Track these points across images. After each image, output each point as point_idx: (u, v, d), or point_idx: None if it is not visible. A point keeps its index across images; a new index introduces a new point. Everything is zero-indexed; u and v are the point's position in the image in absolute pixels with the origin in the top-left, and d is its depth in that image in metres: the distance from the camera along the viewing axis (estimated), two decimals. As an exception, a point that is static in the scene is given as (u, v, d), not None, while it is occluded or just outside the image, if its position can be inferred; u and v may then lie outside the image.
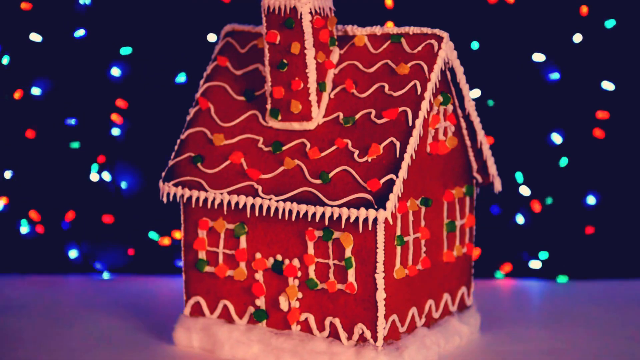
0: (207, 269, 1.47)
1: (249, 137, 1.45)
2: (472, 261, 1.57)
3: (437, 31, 1.41)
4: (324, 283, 1.38)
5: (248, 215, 1.42)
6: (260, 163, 1.42)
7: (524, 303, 1.76)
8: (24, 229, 1.93)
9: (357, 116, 1.40)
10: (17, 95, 1.89)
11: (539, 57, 1.85)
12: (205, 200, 1.44)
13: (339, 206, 1.33)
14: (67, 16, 1.88)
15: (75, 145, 1.91)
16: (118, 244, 1.94)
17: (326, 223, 1.36)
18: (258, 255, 1.43)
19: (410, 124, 1.36)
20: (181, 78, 1.89)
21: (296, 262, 1.40)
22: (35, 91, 1.90)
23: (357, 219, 1.32)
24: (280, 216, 1.38)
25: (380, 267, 1.34)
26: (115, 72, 1.89)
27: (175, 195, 1.46)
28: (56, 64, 1.90)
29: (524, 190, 1.89)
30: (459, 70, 1.45)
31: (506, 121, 1.87)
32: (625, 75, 1.86)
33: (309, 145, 1.40)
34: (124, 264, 1.94)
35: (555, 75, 1.85)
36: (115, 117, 1.90)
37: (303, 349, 1.39)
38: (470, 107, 1.48)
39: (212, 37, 1.86)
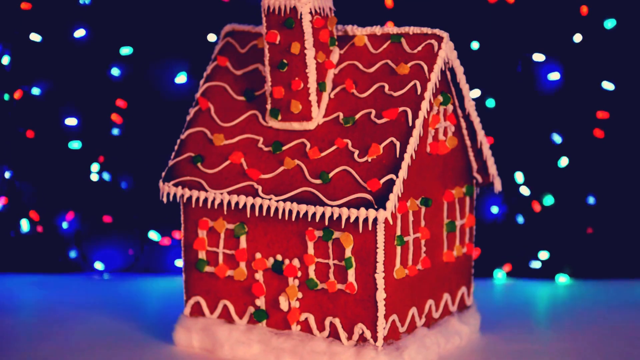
0: (207, 269, 1.47)
1: (249, 137, 1.45)
2: (472, 261, 1.57)
3: (437, 31, 1.41)
4: (324, 283, 1.38)
5: (248, 215, 1.42)
6: (260, 163, 1.42)
7: (524, 303, 1.76)
8: (24, 228, 1.93)
9: (357, 116, 1.40)
10: (17, 95, 1.89)
11: (539, 57, 1.85)
12: (205, 200, 1.44)
13: (339, 206, 1.33)
14: (67, 16, 1.88)
15: (75, 145, 1.91)
16: (118, 244, 1.94)
17: (326, 223, 1.36)
18: (258, 255, 1.43)
19: (410, 124, 1.36)
20: (181, 78, 1.89)
21: (296, 262, 1.40)
22: (35, 91, 1.90)
23: (357, 219, 1.32)
24: (280, 216, 1.38)
25: (380, 267, 1.34)
26: (115, 72, 1.89)
27: (175, 195, 1.47)
28: (56, 64, 1.90)
29: (524, 190, 1.89)
30: (459, 70, 1.45)
31: (506, 121, 1.87)
32: (625, 75, 1.86)
33: (309, 145, 1.40)
34: (124, 264, 1.94)
35: (555, 75, 1.85)
36: (115, 117, 1.90)
37: (303, 349, 1.39)
38: (470, 107, 1.48)
39: (212, 37, 1.86)
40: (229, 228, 1.45)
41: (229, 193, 1.42)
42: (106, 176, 1.92)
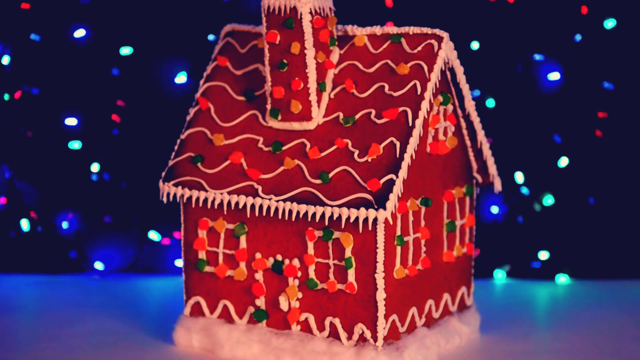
0: (207, 269, 1.47)
1: (249, 137, 1.45)
2: (472, 261, 1.57)
3: (437, 31, 1.41)
4: (324, 283, 1.38)
5: (248, 215, 1.42)
6: (260, 163, 1.42)
7: (524, 303, 1.76)
8: (24, 228, 1.93)
9: (357, 116, 1.40)
10: (17, 95, 1.89)
11: (539, 57, 1.85)
12: (205, 200, 1.44)
13: (339, 206, 1.33)
14: (67, 16, 1.88)
15: (75, 145, 1.91)
16: (118, 244, 1.94)
17: (326, 223, 1.36)
18: (258, 255, 1.43)
19: (410, 124, 1.36)
20: (181, 78, 1.89)
21: (296, 262, 1.40)
22: (35, 91, 1.90)
23: (357, 219, 1.32)
24: (280, 216, 1.38)
25: (380, 267, 1.34)
26: (116, 72, 1.89)
27: (175, 195, 1.47)
28: (56, 64, 1.90)
29: (524, 190, 1.89)
30: (459, 70, 1.45)
31: (506, 121, 1.87)
32: (625, 75, 1.86)
33: (309, 145, 1.40)
34: (124, 264, 1.94)
35: (555, 75, 1.85)
36: (115, 117, 1.90)
37: (303, 349, 1.39)
38: (470, 107, 1.48)
39: (212, 37, 1.86)
40: (229, 228, 1.45)
41: (229, 193, 1.42)
42: (106, 176, 1.92)
